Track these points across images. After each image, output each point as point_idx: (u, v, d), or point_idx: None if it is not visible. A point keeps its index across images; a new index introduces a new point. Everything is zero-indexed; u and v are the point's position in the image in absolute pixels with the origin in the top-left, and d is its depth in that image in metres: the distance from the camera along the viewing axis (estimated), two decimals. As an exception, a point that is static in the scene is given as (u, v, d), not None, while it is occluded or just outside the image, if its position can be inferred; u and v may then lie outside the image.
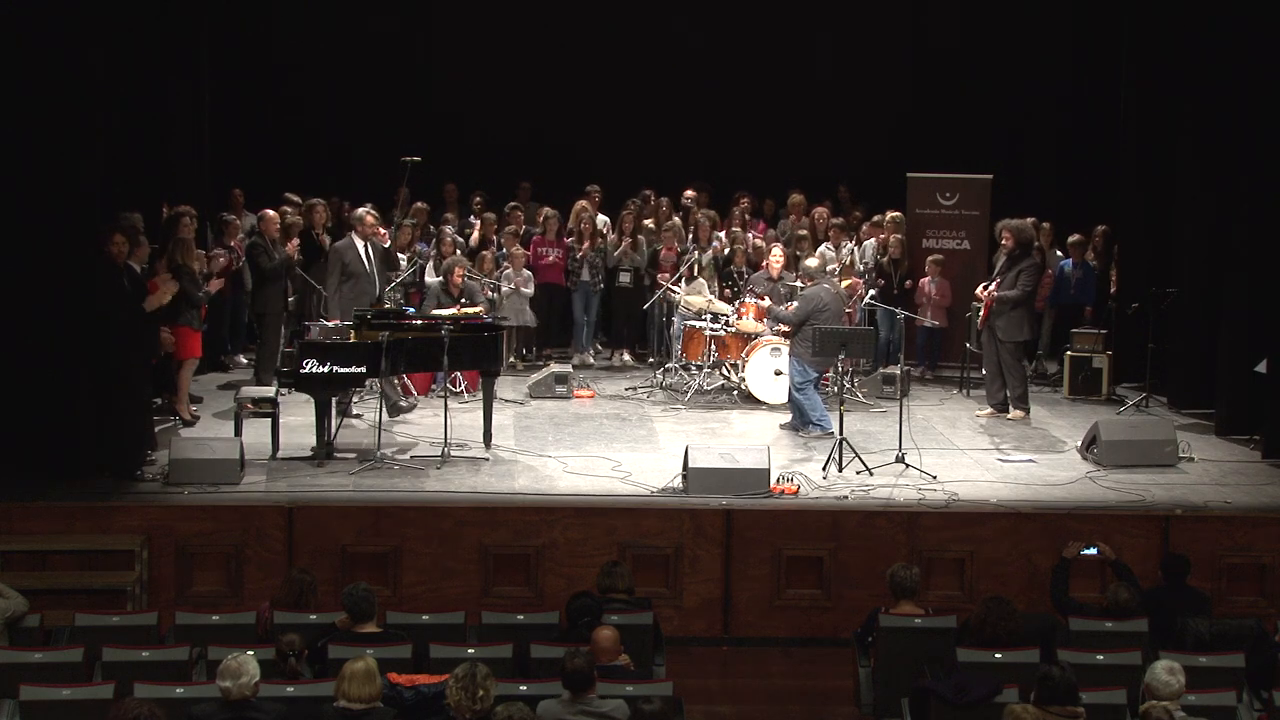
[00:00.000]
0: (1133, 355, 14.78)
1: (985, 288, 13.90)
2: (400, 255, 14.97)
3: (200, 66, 15.64)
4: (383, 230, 14.01)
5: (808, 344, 12.89)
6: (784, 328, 13.80)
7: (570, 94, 18.68)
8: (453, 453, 12.17)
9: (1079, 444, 12.82)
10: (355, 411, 13.35)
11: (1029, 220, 14.44)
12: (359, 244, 13.26)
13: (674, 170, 17.95)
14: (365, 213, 13.51)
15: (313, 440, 12.02)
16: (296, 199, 16.03)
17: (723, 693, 10.24)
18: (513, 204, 16.78)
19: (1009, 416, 13.86)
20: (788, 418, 13.50)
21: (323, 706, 7.66)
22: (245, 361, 15.41)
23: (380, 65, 18.67)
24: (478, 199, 17.44)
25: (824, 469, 11.94)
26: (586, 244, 15.95)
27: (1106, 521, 11.02)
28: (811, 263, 13.74)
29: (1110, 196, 16.19)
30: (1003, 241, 13.95)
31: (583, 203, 16.40)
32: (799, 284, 14.21)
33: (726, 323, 14.45)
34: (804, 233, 16.07)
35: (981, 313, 13.94)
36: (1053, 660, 8.47)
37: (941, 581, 10.94)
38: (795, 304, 13.63)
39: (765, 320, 14.31)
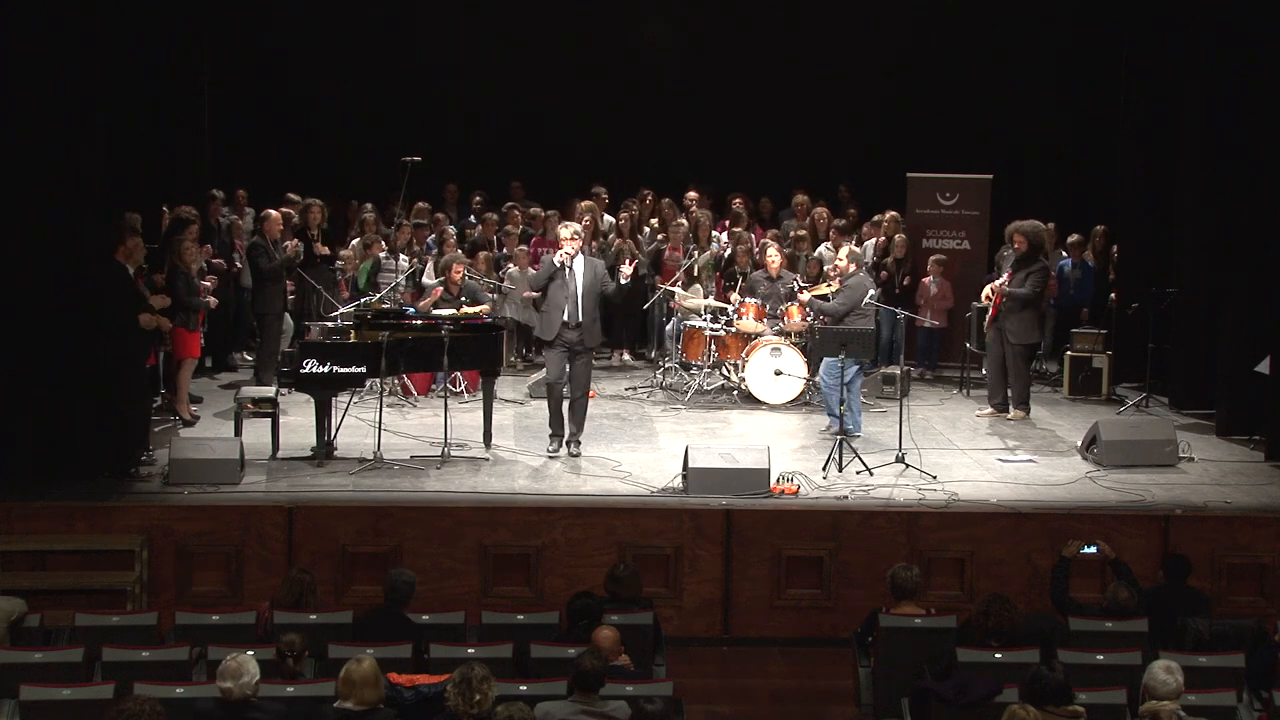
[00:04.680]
0: (1133, 355, 14.78)
1: (994, 284, 13.83)
2: (401, 255, 14.99)
3: (200, 66, 15.63)
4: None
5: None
6: (797, 326, 13.72)
7: (570, 94, 18.66)
8: (453, 453, 12.17)
9: (1079, 444, 12.82)
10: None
11: (1047, 226, 14.30)
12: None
13: (674, 170, 17.93)
14: (561, 226, 13.18)
15: (313, 440, 12.04)
16: (296, 198, 16.03)
17: (723, 693, 10.23)
18: (510, 204, 16.76)
19: (1009, 416, 13.85)
20: (788, 418, 13.47)
21: (323, 706, 7.66)
22: (249, 359, 15.40)
23: (380, 65, 18.64)
24: (477, 199, 17.43)
25: (824, 469, 11.94)
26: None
27: (1106, 521, 11.02)
28: (854, 248, 13.62)
29: (1110, 196, 16.19)
30: (1015, 245, 13.90)
31: (585, 203, 16.33)
32: (796, 282, 14.20)
33: (727, 323, 14.44)
34: (803, 233, 16.05)
35: (990, 311, 13.90)
36: (1053, 660, 8.47)
37: (941, 581, 10.94)
38: (838, 294, 13.20)
39: (765, 320, 14.29)
